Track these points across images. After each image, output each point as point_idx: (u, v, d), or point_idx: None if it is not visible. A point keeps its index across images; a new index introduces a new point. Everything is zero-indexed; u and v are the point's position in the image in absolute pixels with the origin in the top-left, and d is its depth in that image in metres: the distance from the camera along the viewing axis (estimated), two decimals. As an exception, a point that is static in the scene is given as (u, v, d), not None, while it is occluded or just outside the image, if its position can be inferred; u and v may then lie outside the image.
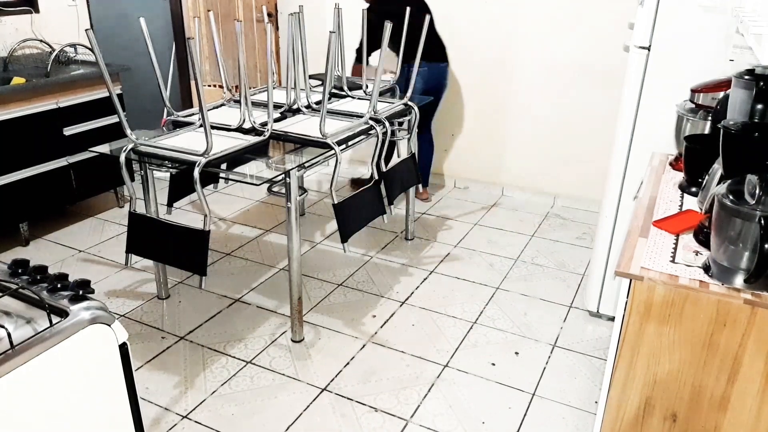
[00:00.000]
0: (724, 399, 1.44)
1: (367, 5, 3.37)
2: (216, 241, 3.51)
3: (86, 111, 3.53)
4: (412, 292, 3.03)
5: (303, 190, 3.22)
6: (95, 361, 1.26)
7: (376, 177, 2.83)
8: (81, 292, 1.28)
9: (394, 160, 3.12)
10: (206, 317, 2.81)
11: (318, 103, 2.96)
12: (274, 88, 2.82)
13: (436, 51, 3.73)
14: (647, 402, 1.52)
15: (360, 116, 2.80)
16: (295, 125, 2.74)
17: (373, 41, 3.18)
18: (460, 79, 4.09)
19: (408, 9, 3.11)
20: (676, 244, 1.58)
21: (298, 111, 2.94)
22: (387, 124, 2.83)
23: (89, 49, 3.66)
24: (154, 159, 2.42)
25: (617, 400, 1.56)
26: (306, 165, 2.48)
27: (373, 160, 2.85)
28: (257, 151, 2.48)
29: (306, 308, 2.86)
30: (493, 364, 2.52)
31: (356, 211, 2.70)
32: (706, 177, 1.73)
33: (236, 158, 2.39)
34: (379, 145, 2.80)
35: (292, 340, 2.64)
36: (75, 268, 3.21)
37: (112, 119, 3.64)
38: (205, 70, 4.54)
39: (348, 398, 2.32)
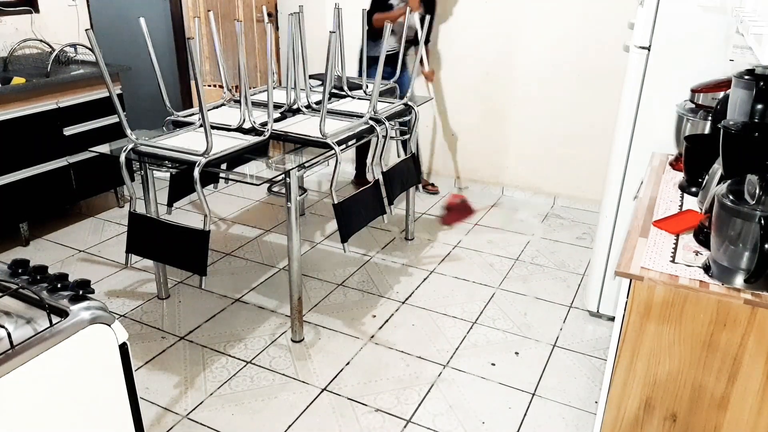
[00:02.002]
0: (724, 399, 1.44)
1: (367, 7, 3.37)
2: (216, 241, 3.51)
3: (86, 111, 3.53)
4: (412, 292, 3.03)
5: (303, 190, 3.22)
6: (95, 361, 1.26)
7: (377, 177, 2.83)
8: (81, 292, 1.28)
9: (394, 159, 3.11)
10: (206, 317, 2.81)
11: (318, 103, 2.96)
12: (274, 88, 2.82)
13: None
14: (647, 402, 1.52)
15: (360, 116, 2.80)
16: (295, 125, 2.74)
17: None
18: (460, 79, 4.09)
19: None
20: (676, 244, 1.58)
21: (298, 111, 2.94)
22: (387, 124, 2.84)
23: (89, 49, 3.66)
24: (154, 159, 2.42)
25: (617, 400, 1.56)
26: (306, 165, 2.48)
27: (373, 160, 2.85)
28: (257, 151, 2.48)
29: (306, 308, 2.86)
30: (493, 364, 2.52)
31: (356, 211, 2.70)
32: (706, 177, 1.73)
33: (236, 158, 2.39)
34: (380, 145, 2.80)
35: (292, 340, 2.64)
36: (75, 268, 3.21)
37: (112, 119, 3.64)
38: (205, 70, 4.54)
39: (348, 398, 2.32)
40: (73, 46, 3.80)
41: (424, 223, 3.81)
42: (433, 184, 4.33)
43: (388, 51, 3.60)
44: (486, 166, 4.24)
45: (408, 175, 3.23)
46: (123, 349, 1.31)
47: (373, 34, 3.56)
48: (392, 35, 3.52)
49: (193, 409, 2.25)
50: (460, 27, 3.97)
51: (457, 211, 3.89)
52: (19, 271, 1.38)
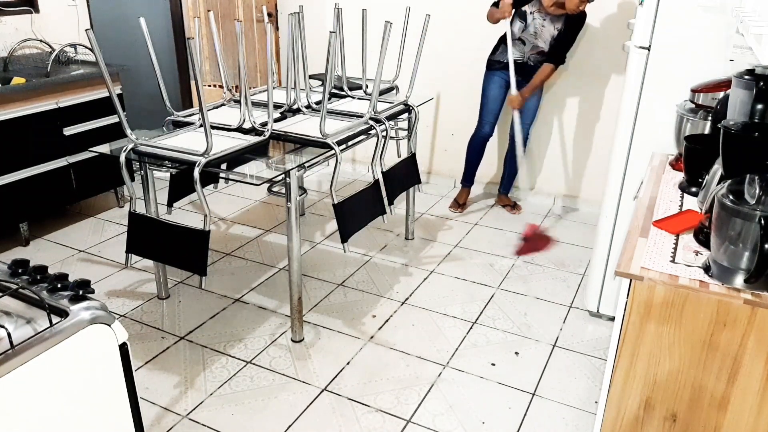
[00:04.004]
0: (724, 399, 1.44)
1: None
2: (216, 241, 3.51)
3: (86, 111, 3.53)
4: (412, 292, 3.03)
5: (303, 190, 3.22)
6: (95, 361, 1.26)
7: (377, 177, 2.83)
8: (81, 292, 1.28)
9: (394, 159, 3.11)
10: (206, 317, 2.81)
11: (318, 103, 2.96)
12: (274, 88, 2.82)
13: None
14: (647, 402, 1.52)
15: (360, 116, 2.80)
16: (295, 125, 2.74)
17: None
18: (460, 78, 4.09)
19: None
20: (676, 244, 1.58)
21: (298, 111, 2.94)
22: (387, 124, 2.84)
23: (89, 49, 3.67)
24: (154, 159, 2.42)
25: (617, 400, 1.56)
26: (306, 165, 2.48)
27: (373, 160, 2.85)
28: (257, 151, 2.48)
29: (306, 308, 2.86)
30: (493, 364, 2.52)
31: (356, 211, 2.70)
32: (706, 177, 1.73)
33: (236, 158, 2.39)
34: (380, 145, 2.80)
35: (292, 340, 2.64)
36: (75, 268, 3.21)
37: (112, 119, 3.64)
38: (205, 70, 4.54)
39: (348, 398, 2.32)
40: (73, 46, 3.80)
41: (424, 223, 3.81)
42: (515, 204, 4.03)
43: (505, 59, 3.56)
44: (486, 166, 4.24)
45: (408, 175, 3.23)
46: (123, 349, 1.31)
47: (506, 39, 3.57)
48: (520, 43, 3.49)
49: (193, 409, 2.25)
50: (461, 26, 3.97)
51: (534, 241, 3.58)
52: (19, 271, 1.38)
